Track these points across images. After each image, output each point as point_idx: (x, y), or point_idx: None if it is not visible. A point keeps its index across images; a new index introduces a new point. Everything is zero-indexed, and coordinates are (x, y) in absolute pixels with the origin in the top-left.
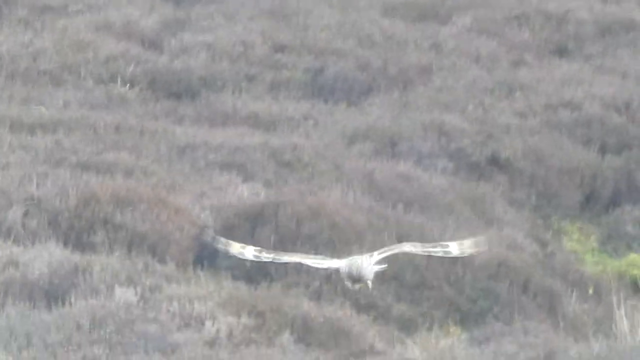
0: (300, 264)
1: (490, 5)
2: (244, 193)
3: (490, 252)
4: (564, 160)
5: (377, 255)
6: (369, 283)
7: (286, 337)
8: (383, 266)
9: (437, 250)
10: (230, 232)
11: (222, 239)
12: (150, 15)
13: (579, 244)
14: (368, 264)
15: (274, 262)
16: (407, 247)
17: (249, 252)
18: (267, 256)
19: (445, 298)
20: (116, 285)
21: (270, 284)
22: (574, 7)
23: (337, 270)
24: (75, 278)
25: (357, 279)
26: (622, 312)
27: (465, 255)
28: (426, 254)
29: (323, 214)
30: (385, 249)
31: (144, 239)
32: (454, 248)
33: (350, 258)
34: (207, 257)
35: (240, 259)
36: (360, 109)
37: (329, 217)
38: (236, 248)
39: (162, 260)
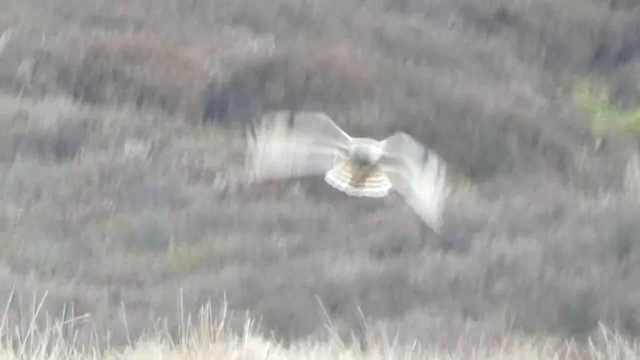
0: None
1: None
2: (254, 48)
3: (500, 105)
4: (574, 14)
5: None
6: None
7: (295, 190)
8: (388, 187)
9: (422, 179)
10: (239, 86)
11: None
12: None
13: (588, 99)
14: (376, 147)
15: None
16: (410, 165)
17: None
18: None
19: (455, 152)
20: (126, 139)
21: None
22: None
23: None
24: (85, 132)
25: (363, 159)
26: (631, 167)
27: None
28: (411, 176)
29: (332, 68)
30: (393, 149)
31: (153, 93)
32: (436, 188)
33: (361, 140)
34: (216, 111)
35: (250, 112)
36: None
37: (339, 72)
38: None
39: (171, 114)
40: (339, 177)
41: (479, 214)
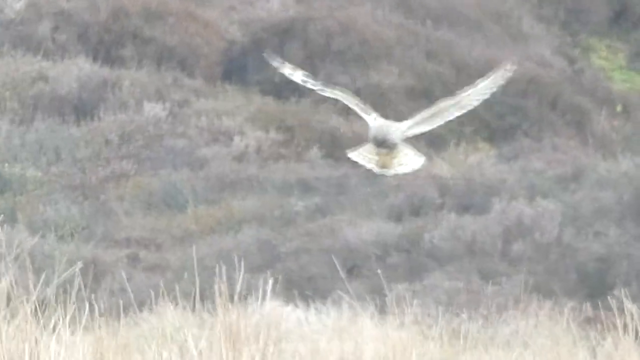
0: (330, 79)
1: None
2: (274, 7)
3: (520, 68)
4: None
5: (410, 122)
6: (392, 164)
7: (314, 152)
8: (422, 160)
9: (469, 95)
10: (258, 46)
11: (278, 58)
12: None
13: (607, 61)
14: (396, 130)
15: (317, 90)
16: (442, 103)
17: (298, 76)
18: (313, 83)
19: (474, 114)
20: (145, 100)
21: (299, 99)
22: None
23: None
24: (105, 92)
25: (381, 142)
26: None
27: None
28: (459, 107)
29: (353, 29)
30: (420, 113)
31: (172, 53)
32: (487, 82)
33: (382, 122)
34: (235, 72)
35: (270, 73)
36: None
37: (359, 33)
38: (287, 69)
39: (190, 75)
40: (363, 158)
41: (498, 176)
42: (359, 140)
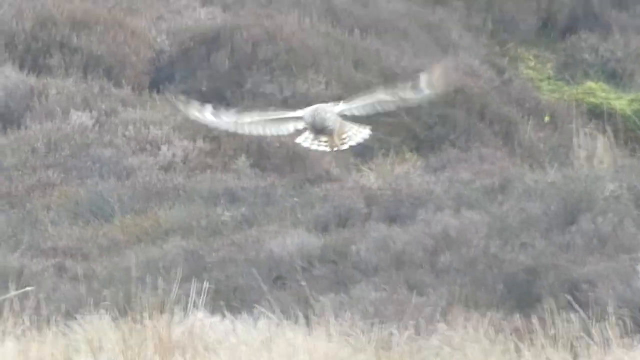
0: (258, 89)
1: None
2: (201, 16)
3: (447, 78)
4: None
5: (342, 105)
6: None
7: (242, 161)
8: (367, 131)
9: (407, 96)
10: (185, 55)
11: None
12: None
13: (535, 71)
14: (331, 115)
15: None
16: (381, 95)
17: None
18: (225, 119)
19: (401, 124)
20: (72, 109)
21: (226, 108)
22: None
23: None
24: (31, 101)
25: (320, 128)
26: (579, 140)
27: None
28: (397, 101)
29: (280, 37)
30: (356, 98)
31: (100, 62)
32: (423, 81)
33: (314, 107)
34: (163, 81)
35: (197, 82)
36: None
37: (286, 41)
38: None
39: (118, 84)
40: (312, 143)
41: (425, 186)
42: (286, 149)
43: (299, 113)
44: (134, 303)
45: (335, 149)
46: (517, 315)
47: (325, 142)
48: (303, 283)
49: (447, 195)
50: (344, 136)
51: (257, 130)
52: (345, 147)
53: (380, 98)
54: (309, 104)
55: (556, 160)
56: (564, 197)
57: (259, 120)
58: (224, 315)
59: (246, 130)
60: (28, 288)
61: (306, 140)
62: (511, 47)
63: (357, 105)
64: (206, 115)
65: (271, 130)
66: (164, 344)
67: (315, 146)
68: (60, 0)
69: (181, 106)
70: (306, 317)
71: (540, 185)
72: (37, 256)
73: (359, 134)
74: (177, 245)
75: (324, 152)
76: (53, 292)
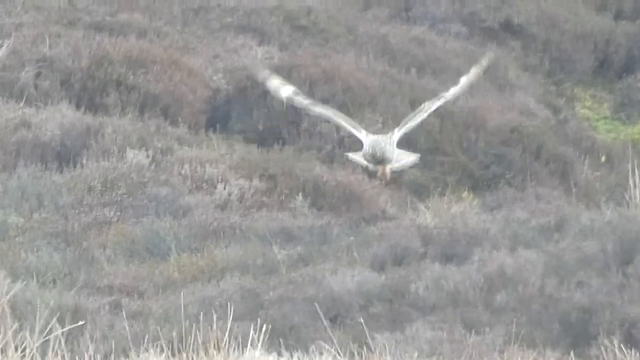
0: (314, 129)
1: None
2: (258, 55)
3: (503, 117)
4: (578, 25)
5: (397, 132)
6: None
7: (298, 200)
8: (415, 158)
9: (451, 93)
10: (242, 94)
11: (266, 71)
12: None
13: (591, 111)
14: (390, 145)
15: (304, 109)
16: (427, 106)
17: (286, 91)
18: (300, 100)
19: (458, 163)
20: (128, 147)
21: (282, 147)
22: None
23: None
24: (88, 139)
25: (379, 160)
26: (635, 179)
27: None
28: (445, 103)
29: (337, 77)
30: (407, 120)
31: (156, 101)
32: (463, 80)
33: (374, 138)
34: (219, 120)
35: (253, 122)
36: None
37: (343, 80)
38: (275, 83)
39: (174, 123)
40: (361, 160)
41: (481, 225)
42: (342, 188)
43: (362, 135)
44: (190, 341)
45: (382, 177)
46: (573, 354)
47: (375, 171)
48: (361, 320)
49: (502, 234)
50: (394, 160)
51: (323, 118)
52: (393, 169)
53: (429, 108)
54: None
55: (612, 200)
56: (621, 237)
57: (327, 116)
58: (279, 354)
59: (314, 112)
60: (80, 323)
61: (358, 158)
62: (567, 87)
63: (410, 125)
64: (282, 91)
65: (337, 124)
66: None
67: (364, 163)
68: (115, 39)
69: (262, 74)
70: (361, 355)
71: (597, 225)
72: (92, 294)
73: (409, 158)
74: (233, 283)
75: (379, 191)
76: (109, 330)
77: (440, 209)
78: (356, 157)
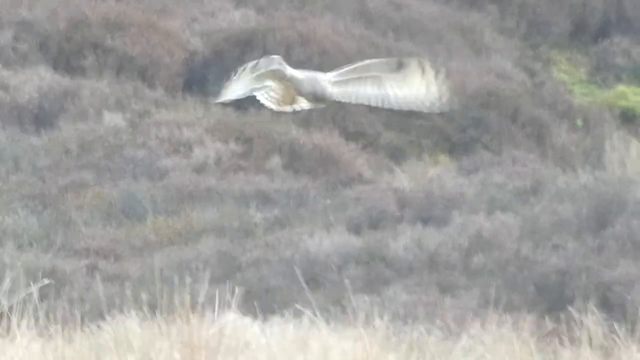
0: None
1: None
2: (235, 18)
3: (480, 80)
4: None
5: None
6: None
7: (274, 163)
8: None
9: (394, 79)
10: (219, 57)
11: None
12: None
13: (567, 75)
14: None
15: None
16: (373, 68)
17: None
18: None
19: (434, 127)
20: (105, 110)
21: (258, 110)
22: None
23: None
24: (65, 102)
25: (320, 98)
26: (611, 143)
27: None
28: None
29: (313, 40)
30: (346, 69)
31: (133, 63)
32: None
33: (310, 75)
34: (196, 83)
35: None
36: None
37: (319, 44)
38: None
39: (151, 86)
40: (268, 99)
41: (458, 189)
42: (319, 151)
43: (295, 73)
44: (166, 304)
45: (282, 108)
46: (549, 318)
47: (278, 100)
48: (346, 280)
49: (479, 197)
50: (298, 101)
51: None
52: (293, 109)
53: (373, 74)
54: (342, 107)
55: (588, 163)
56: (596, 200)
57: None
58: (255, 317)
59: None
60: (45, 281)
61: (265, 96)
62: (544, 50)
63: (348, 76)
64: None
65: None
66: (195, 345)
67: (268, 102)
68: (93, 2)
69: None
70: (339, 318)
71: (573, 188)
72: (69, 256)
73: (303, 103)
74: (209, 246)
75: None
76: (85, 292)
77: (417, 172)
78: (262, 98)
